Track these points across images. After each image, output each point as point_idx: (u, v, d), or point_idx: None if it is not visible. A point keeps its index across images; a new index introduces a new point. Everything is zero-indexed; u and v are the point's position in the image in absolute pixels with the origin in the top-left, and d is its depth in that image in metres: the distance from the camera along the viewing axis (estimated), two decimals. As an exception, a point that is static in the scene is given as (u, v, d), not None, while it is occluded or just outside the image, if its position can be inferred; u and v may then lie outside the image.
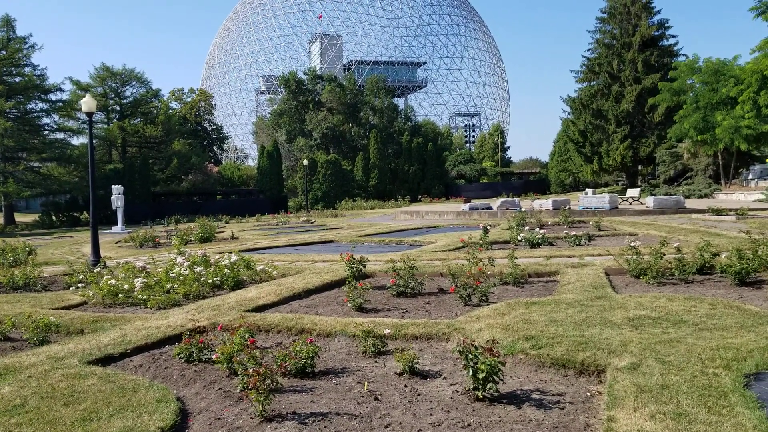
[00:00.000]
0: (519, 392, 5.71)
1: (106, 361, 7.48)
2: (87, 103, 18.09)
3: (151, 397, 5.86)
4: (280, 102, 75.42)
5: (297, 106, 71.46)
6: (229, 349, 6.79)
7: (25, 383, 6.44)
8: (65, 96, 56.02)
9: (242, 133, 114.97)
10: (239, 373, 6.15)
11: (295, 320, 8.79)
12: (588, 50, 55.94)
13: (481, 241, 15.79)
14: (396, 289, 10.57)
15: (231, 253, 13.79)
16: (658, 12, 51.91)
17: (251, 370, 5.62)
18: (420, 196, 65.76)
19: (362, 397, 5.79)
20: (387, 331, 7.49)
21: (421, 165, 68.00)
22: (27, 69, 52.75)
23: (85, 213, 53.34)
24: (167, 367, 7.24)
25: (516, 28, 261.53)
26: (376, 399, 5.69)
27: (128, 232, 32.59)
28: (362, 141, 69.40)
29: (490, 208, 31.76)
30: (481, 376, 5.35)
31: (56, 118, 56.23)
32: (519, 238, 16.60)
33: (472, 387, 5.54)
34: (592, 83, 54.70)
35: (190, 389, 6.42)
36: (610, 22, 53.51)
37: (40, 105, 54.74)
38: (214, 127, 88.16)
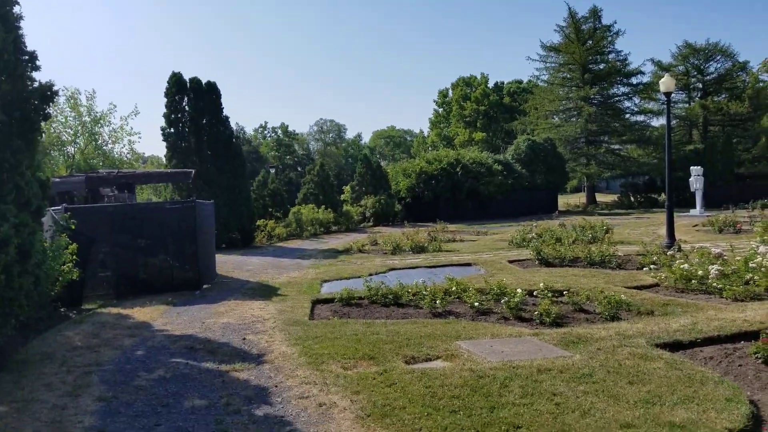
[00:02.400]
0: None
1: (673, 346, 7.24)
2: (665, 83, 17.92)
3: (719, 393, 5.37)
4: None
5: None
6: (821, 359, 5.65)
7: (594, 355, 6.77)
8: (646, 78, 57.17)
9: None
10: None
11: None
12: None
13: None
14: None
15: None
16: None
17: None
18: None
19: None
20: None
21: None
22: (611, 56, 55.90)
23: (662, 194, 53.61)
24: (741, 365, 6.52)
25: None
26: None
27: (707, 216, 31.11)
28: None
29: None
30: None
31: (637, 101, 58.06)
32: None
33: None
34: None
35: (767, 394, 5.60)
36: None
37: (622, 89, 57.40)
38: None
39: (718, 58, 57.96)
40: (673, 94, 60.07)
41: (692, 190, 36.60)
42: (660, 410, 5.01)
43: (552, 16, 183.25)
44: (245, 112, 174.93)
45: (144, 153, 76.87)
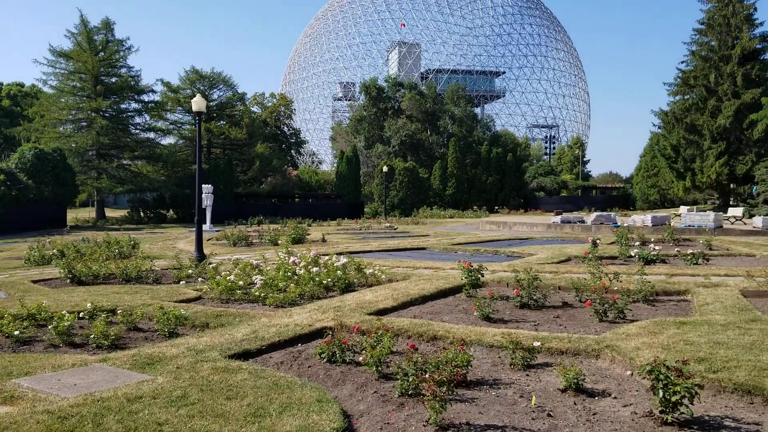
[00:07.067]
0: (707, 418, 5.27)
1: (245, 356, 7.44)
2: (197, 102, 18.52)
3: (309, 396, 5.72)
4: (359, 108, 75.90)
5: (376, 113, 71.75)
6: (378, 352, 6.62)
7: (178, 375, 6.43)
8: (156, 97, 58.06)
9: (318, 138, 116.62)
10: (399, 377, 5.97)
11: (425, 326, 8.57)
12: (682, 62, 53.39)
13: (590, 255, 15.18)
14: (519, 301, 10.21)
15: (341, 255, 13.75)
16: (761, 24, 49.11)
17: (428, 375, 5.41)
18: (497, 207, 64.76)
19: (533, 412, 5.47)
20: (536, 343, 7.14)
21: (500, 176, 66.91)
22: (123, 70, 54.90)
23: (171, 210, 55.13)
24: (310, 366, 7.12)
25: (601, 37, 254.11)
26: (549, 415, 5.36)
27: (217, 231, 33.38)
28: (440, 149, 68.98)
29: (583, 221, 30.76)
30: (674, 398, 4.95)
31: (147, 118, 58.30)
32: (632, 253, 15.87)
33: (659, 410, 5.13)
34: (686, 96, 52.25)
35: (342, 390, 6.26)
36: (708, 34, 51.05)
37: (134, 105, 56.87)
38: (293, 131, 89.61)
39: (221, 86, 63.04)
40: (181, 117, 62.82)
41: (203, 206, 38.76)
42: (271, 422, 5.04)
43: (64, 21, 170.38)
44: None
45: None
